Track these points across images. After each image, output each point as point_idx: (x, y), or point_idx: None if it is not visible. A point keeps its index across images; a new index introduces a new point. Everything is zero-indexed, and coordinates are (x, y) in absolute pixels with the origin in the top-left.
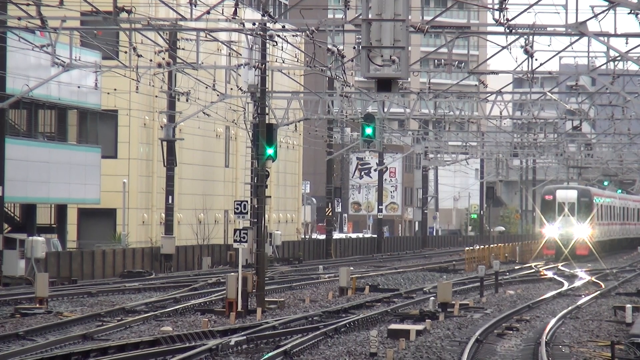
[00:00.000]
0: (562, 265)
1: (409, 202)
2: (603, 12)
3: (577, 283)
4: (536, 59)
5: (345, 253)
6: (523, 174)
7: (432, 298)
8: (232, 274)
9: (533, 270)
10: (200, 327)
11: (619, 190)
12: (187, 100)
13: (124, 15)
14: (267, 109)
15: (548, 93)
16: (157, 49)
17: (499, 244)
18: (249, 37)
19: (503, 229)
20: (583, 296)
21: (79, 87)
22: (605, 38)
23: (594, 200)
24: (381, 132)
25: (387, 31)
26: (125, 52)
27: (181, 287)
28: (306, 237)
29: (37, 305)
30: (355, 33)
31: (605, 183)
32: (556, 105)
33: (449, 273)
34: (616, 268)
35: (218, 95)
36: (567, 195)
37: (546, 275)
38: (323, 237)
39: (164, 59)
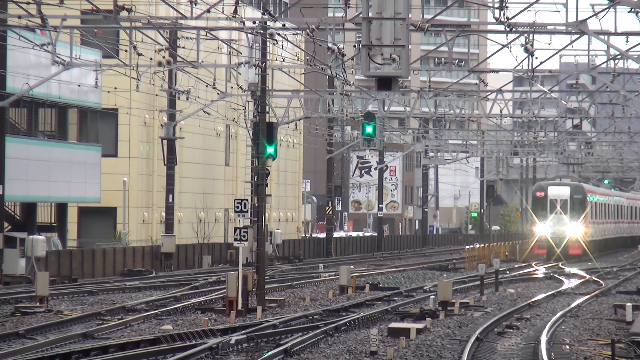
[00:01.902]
0: (562, 264)
1: (409, 200)
2: (603, 10)
3: (576, 282)
4: (536, 58)
5: (346, 251)
6: (523, 172)
7: (433, 297)
8: (233, 272)
9: (533, 269)
10: (201, 325)
11: (612, 189)
12: (187, 99)
13: (124, 13)
14: (267, 107)
15: (548, 91)
16: (158, 48)
17: (499, 243)
18: (249, 35)
19: (498, 227)
20: (586, 293)
21: (79, 85)
22: (606, 36)
23: (588, 198)
24: (381, 130)
25: (387, 30)
26: (126, 51)
27: (181, 286)
28: (306, 235)
29: (38, 304)
30: (355, 31)
31: (606, 181)
32: (556, 103)
33: (449, 271)
34: (616, 266)
35: (218, 93)
36: (559, 192)
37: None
38: (323, 235)
39: (164, 57)
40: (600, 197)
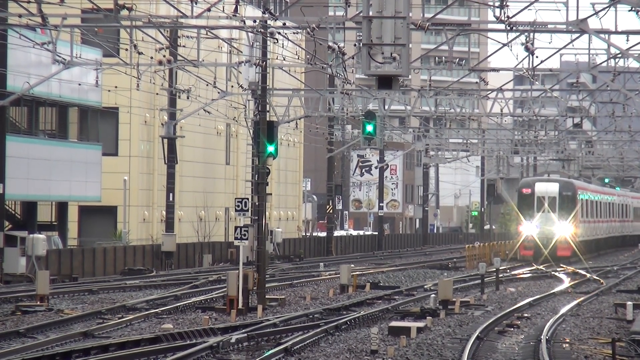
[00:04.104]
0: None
1: (409, 199)
2: (604, 9)
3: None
4: (537, 56)
5: (346, 250)
6: (524, 171)
7: (433, 295)
8: (233, 271)
9: (534, 268)
10: (201, 324)
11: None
12: (187, 98)
13: (124, 12)
14: (267, 106)
15: (549, 90)
16: (158, 47)
17: (500, 241)
18: (249, 34)
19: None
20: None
21: (79, 84)
22: (606, 35)
23: (578, 195)
24: (382, 129)
25: (387, 28)
26: (126, 50)
27: (182, 285)
28: (307, 234)
29: (38, 303)
30: (356, 30)
31: (607, 180)
32: (557, 102)
33: (449, 270)
34: (617, 265)
35: (219, 92)
36: (547, 188)
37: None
38: (324, 234)
39: (164, 56)
40: (591, 194)
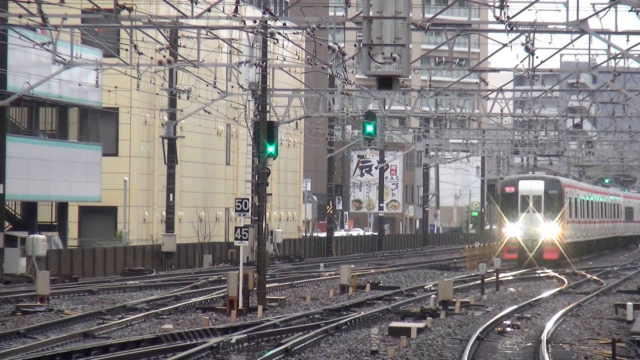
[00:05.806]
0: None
1: (409, 199)
2: (604, 9)
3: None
4: (537, 57)
5: (346, 251)
6: (524, 171)
7: (433, 296)
8: (233, 271)
9: (533, 268)
10: (201, 325)
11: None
12: (188, 98)
13: (124, 12)
14: (268, 106)
15: (549, 91)
16: (158, 47)
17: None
18: (249, 34)
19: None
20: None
21: (79, 84)
22: (606, 35)
23: (565, 193)
24: (382, 129)
25: (388, 29)
26: (126, 50)
27: (182, 285)
28: (307, 234)
29: (38, 303)
30: (356, 31)
31: (607, 181)
32: (557, 102)
33: (449, 271)
34: (617, 265)
35: (219, 92)
36: (531, 187)
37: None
38: (324, 234)
39: (164, 56)
40: (580, 193)
